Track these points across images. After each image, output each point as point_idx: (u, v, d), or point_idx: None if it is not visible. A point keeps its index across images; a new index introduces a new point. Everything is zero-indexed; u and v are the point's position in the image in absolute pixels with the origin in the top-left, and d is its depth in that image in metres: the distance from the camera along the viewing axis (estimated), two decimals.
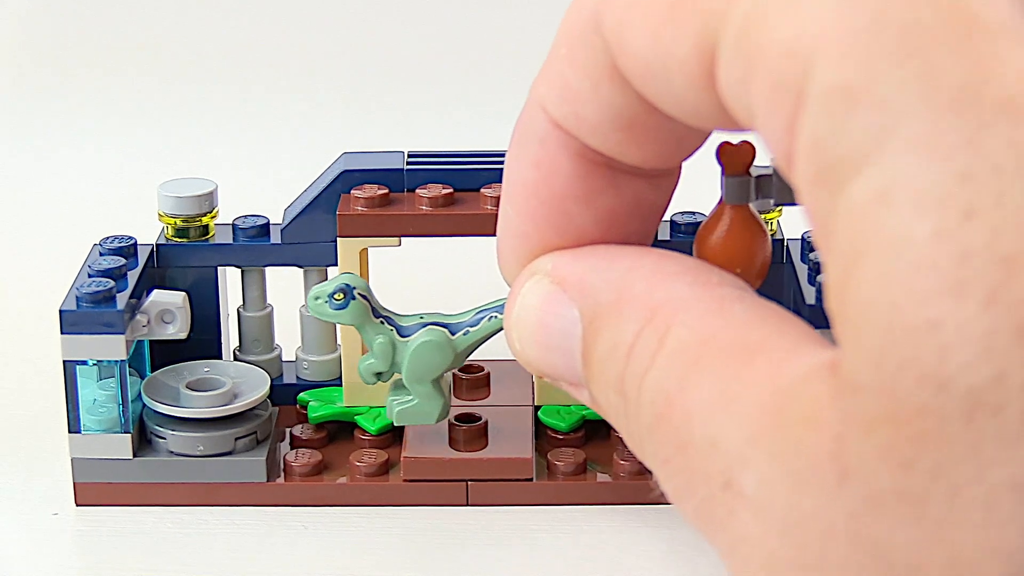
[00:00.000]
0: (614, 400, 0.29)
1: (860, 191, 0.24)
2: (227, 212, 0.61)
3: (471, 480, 0.56)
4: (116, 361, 0.55)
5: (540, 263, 0.31)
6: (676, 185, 0.34)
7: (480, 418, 0.58)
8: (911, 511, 0.23)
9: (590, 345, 0.30)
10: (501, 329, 0.53)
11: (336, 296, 0.54)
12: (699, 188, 0.48)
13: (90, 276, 0.56)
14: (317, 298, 0.54)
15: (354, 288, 0.54)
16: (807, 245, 0.57)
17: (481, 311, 0.55)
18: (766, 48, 0.25)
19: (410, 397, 0.55)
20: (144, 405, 0.57)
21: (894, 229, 0.23)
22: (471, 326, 0.54)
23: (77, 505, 0.57)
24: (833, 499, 0.24)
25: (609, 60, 0.28)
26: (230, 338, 0.62)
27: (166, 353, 0.59)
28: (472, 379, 0.61)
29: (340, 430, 0.60)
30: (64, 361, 0.55)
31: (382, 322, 0.55)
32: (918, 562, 0.23)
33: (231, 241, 0.59)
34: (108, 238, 0.59)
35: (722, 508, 0.26)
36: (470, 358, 0.56)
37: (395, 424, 0.56)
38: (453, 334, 0.54)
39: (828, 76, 0.24)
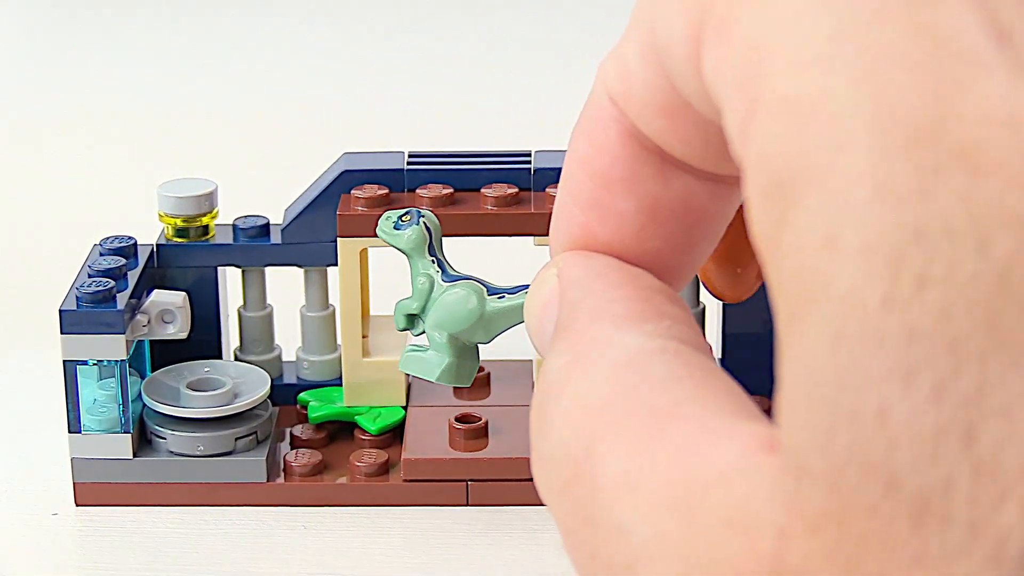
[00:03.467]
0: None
1: (806, 228, 0.21)
2: (227, 212, 0.61)
3: (471, 480, 0.56)
4: (116, 361, 0.55)
5: (561, 257, 0.30)
6: (736, 203, 0.30)
7: (480, 418, 0.58)
8: None
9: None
10: None
11: (404, 217, 0.52)
12: None
13: (90, 276, 0.56)
14: (388, 218, 0.53)
15: (422, 216, 0.53)
16: None
17: (526, 286, 0.53)
18: (735, 42, 0.23)
19: (425, 347, 0.52)
20: (144, 405, 0.57)
21: (843, 287, 0.20)
22: (508, 292, 0.52)
23: (77, 505, 0.57)
24: None
25: (652, 35, 0.27)
26: (230, 338, 0.62)
27: (166, 353, 0.59)
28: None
29: (340, 430, 0.60)
30: (64, 361, 0.55)
31: (433, 260, 0.53)
32: None
33: (231, 241, 0.59)
34: (108, 238, 0.59)
35: None
36: None
37: (399, 368, 0.52)
38: (490, 294, 0.52)
39: (782, 83, 0.22)
